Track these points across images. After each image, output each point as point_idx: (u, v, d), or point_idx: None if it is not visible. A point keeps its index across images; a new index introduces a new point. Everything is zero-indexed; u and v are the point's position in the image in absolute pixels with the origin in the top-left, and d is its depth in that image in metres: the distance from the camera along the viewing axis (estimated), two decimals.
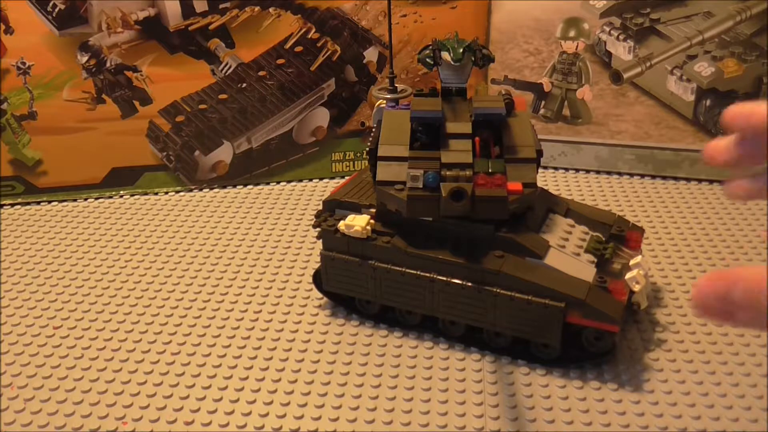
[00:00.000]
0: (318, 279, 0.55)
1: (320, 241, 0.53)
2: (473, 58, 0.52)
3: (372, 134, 0.57)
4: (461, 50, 0.51)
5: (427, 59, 0.53)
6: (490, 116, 0.51)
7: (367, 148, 0.55)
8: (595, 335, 0.48)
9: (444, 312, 0.50)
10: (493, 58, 0.54)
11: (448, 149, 0.49)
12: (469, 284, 0.48)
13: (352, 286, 0.52)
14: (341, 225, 0.51)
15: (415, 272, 0.50)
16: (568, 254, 0.50)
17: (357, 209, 0.53)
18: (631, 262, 0.51)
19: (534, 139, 0.51)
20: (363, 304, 0.54)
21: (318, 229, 0.53)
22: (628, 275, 0.49)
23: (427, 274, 0.49)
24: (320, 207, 0.55)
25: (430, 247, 0.49)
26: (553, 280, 0.47)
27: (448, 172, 0.47)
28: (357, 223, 0.50)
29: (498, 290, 0.47)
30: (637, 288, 0.49)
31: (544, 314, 0.47)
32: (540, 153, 0.51)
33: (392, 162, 0.49)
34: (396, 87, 0.58)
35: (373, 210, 0.52)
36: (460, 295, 0.49)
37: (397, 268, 0.50)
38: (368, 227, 0.51)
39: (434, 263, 0.49)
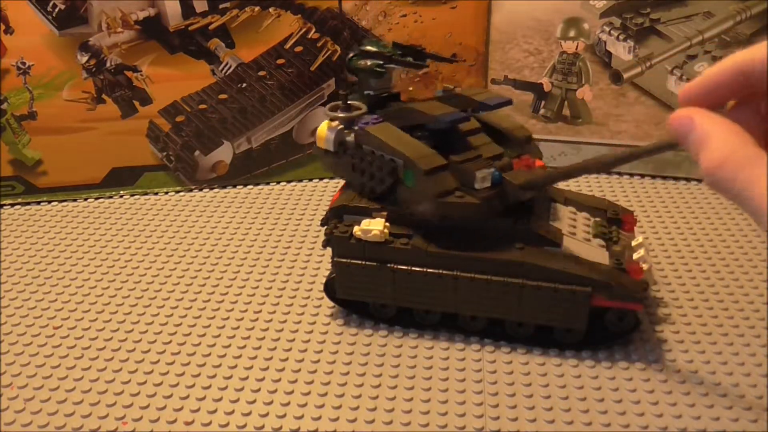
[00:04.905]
0: (329, 288, 0.54)
1: (324, 245, 0.52)
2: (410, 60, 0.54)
3: (364, 157, 0.52)
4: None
5: (377, 68, 0.54)
6: (500, 105, 0.53)
7: (388, 167, 0.50)
8: (618, 316, 0.49)
9: (467, 308, 0.50)
10: (427, 54, 0.56)
11: (472, 146, 0.50)
12: (495, 278, 0.48)
13: (369, 291, 0.52)
14: (357, 230, 0.50)
15: (437, 271, 0.49)
16: (580, 240, 0.50)
17: (367, 213, 0.52)
18: (634, 243, 0.52)
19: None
20: (377, 309, 0.53)
21: (326, 237, 0.52)
22: (635, 255, 0.50)
23: (451, 272, 0.49)
24: (318, 208, 0.55)
25: (449, 245, 0.49)
26: (576, 266, 0.48)
27: None
28: (374, 227, 0.50)
29: (524, 281, 0.48)
30: (645, 267, 0.50)
31: (570, 300, 0.47)
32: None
33: (438, 173, 0.48)
34: (349, 105, 0.53)
35: (385, 213, 0.51)
36: (485, 289, 0.49)
37: (419, 269, 0.50)
38: (385, 230, 0.50)
39: (456, 260, 0.49)
